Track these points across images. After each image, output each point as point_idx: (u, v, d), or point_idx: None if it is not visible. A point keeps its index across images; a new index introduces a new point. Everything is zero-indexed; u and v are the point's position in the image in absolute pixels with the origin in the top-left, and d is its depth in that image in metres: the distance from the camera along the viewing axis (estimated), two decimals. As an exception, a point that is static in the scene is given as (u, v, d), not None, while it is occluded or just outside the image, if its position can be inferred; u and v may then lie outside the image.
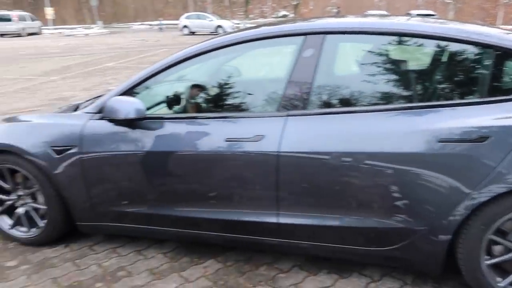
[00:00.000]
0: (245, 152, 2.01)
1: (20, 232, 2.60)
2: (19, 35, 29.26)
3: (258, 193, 2.08)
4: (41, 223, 2.54)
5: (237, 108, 2.28)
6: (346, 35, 2.06)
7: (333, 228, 2.04)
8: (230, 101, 2.30)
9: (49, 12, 35.41)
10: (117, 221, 2.43)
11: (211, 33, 27.89)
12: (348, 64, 2.30)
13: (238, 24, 33.82)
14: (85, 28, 36.92)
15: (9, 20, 29.42)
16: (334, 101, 2.05)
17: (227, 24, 29.01)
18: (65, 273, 2.32)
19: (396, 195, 1.88)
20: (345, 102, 2.06)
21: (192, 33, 28.33)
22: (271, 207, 2.08)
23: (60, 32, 33.32)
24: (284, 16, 50.10)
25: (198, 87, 2.46)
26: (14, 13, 30.27)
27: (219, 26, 28.10)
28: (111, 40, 23.80)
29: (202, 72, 2.49)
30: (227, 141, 2.05)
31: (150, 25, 42.76)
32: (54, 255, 2.50)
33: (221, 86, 2.37)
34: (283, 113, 2.01)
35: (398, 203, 1.89)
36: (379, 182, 1.88)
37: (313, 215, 2.05)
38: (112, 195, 2.36)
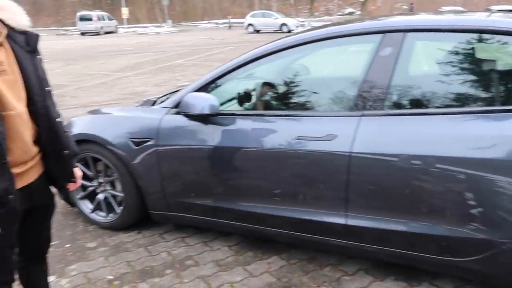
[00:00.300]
0: (316, 151, 2.00)
1: (99, 216, 2.81)
2: (97, 34, 31.51)
3: (327, 193, 2.06)
4: (118, 210, 2.72)
5: (309, 106, 2.27)
6: (427, 33, 1.97)
7: (402, 233, 1.96)
8: (301, 99, 2.30)
9: (125, 12, 37.69)
10: (186, 212, 2.53)
11: (276, 31, 27.99)
12: (428, 63, 2.19)
13: (303, 22, 33.59)
14: (156, 26, 38.81)
15: (90, 19, 31.81)
16: (412, 102, 1.97)
17: (291, 22, 28.95)
18: (138, 258, 2.47)
19: (471, 202, 1.76)
20: (423, 103, 1.97)
21: (257, 31, 28.64)
22: (339, 208, 2.05)
23: (134, 31, 35.37)
24: (350, 13, 48.89)
25: (269, 85, 2.49)
26: (94, 13, 32.66)
27: (283, 24, 28.13)
28: (179, 38, 24.79)
29: (273, 71, 2.51)
30: (298, 139, 2.05)
31: (216, 23, 43.92)
32: (128, 240, 2.67)
33: (292, 84, 2.37)
34: (357, 112, 1.97)
35: (474, 211, 1.77)
36: (455, 188, 1.77)
37: (382, 219, 1.99)
38: (182, 187, 2.46)
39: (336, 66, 2.62)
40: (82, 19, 32.20)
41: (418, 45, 2.03)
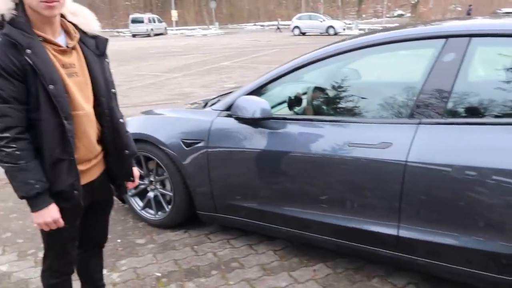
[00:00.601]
0: (369, 159, 1.94)
1: (149, 214, 2.89)
2: (148, 35, 32.71)
3: (379, 202, 1.99)
4: (167, 208, 2.79)
5: (361, 112, 2.22)
6: (493, 38, 1.85)
7: (457, 248, 1.86)
8: (353, 105, 2.25)
9: (174, 14, 38.83)
10: (232, 214, 2.54)
11: (322, 34, 27.72)
12: (492, 70, 2.07)
13: (350, 24, 33.04)
14: (203, 29, 39.66)
15: (142, 22, 33.10)
16: (473, 111, 1.86)
17: (338, 24, 28.56)
18: (184, 257, 2.51)
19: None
20: (485, 112, 1.86)
21: (303, 33, 28.50)
22: (391, 218, 1.98)
23: (182, 33, 36.36)
24: (400, 15, 47.47)
25: (321, 90, 2.45)
26: (145, 16, 33.95)
27: (330, 27, 27.81)
28: (226, 40, 25.17)
29: (325, 75, 2.47)
30: (350, 146, 2.00)
31: (262, 25, 44.19)
32: (176, 239, 2.73)
33: (345, 90, 2.32)
34: (414, 120, 1.89)
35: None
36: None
37: (437, 232, 1.90)
38: (230, 189, 2.48)
39: (392, 71, 2.53)
40: (134, 21, 33.56)
41: (482, 50, 1.92)
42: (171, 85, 9.40)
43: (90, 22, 1.47)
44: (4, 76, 1.24)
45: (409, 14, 37.97)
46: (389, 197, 1.94)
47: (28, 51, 1.26)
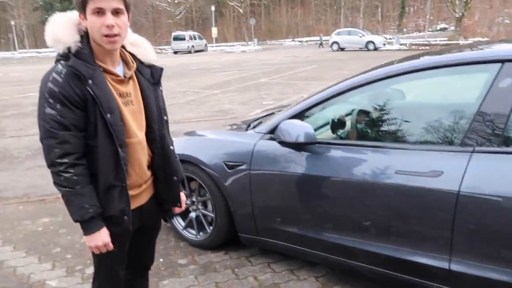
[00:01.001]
0: (418, 187, 1.87)
1: (190, 234, 2.92)
2: (189, 52, 33.66)
3: (428, 232, 1.90)
4: (208, 229, 2.80)
5: (409, 139, 2.14)
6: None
7: (513, 286, 1.73)
8: (401, 131, 2.18)
9: (214, 31, 39.82)
10: (273, 238, 2.51)
11: (361, 49, 27.41)
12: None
13: (390, 39, 32.50)
14: (242, 45, 40.35)
15: (183, 39, 34.16)
16: (533, 140, 1.75)
17: (378, 39, 28.17)
18: (226, 280, 2.51)
19: None
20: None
21: (342, 49, 28.32)
22: (442, 251, 1.88)
23: (222, 49, 37.17)
24: (443, 29, 46.17)
25: (366, 114, 2.40)
26: (187, 33, 35.03)
27: (370, 42, 27.47)
28: (264, 56, 25.43)
29: (371, 99, 2.42)
30: (397, 173, 1.94)
31: (300, 41, 44.39)
32: (216, 260, 2.73)
33: (391, 114, 2.26)
34: (467, 148, 1.80)
35: None
36: None
37: (491, 267, 1.78)
38: (271, 212, 2.46)
39: (442, 96, 2.43)
40: (176, 38, 34.69)
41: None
42: (211, 101, 9.57)
43: (147, 52, 1.53)
44: (67, 105, 1.30)
45: (452, 28, 36.82)
46: (440, 228, 1.85)
47: (90, 81, 1.32)
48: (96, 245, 1.41)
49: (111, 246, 1.44)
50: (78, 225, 1.40)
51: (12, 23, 46.76)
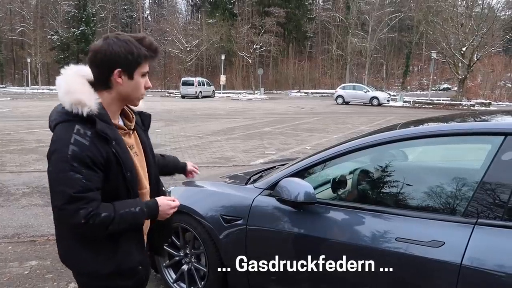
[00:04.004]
0: (418, 256, 1.80)
1: (180, 288, 2.80)
2: (196, 97, 34.35)
3: (428, 304, 1.81)
4: (199, 284, 2.69)
5: (411, 206, 2.10)
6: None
7: None
8: (403, 197, 2.14)
9: (223, 78, 40.87)
10: (266, 297, 2.40)
11: (365, 104, 27.92)
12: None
13: (394, 96, 33.16)
14: (248, 93, 41.24)
15: (192, 84, 35.06)
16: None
17: (382, 95, 28.78)
18: None
19: None
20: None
21: (347, 103, 28.86)
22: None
23: (228, 96, 37.95)
24: (446, 89, 47.19)
25: (368, 176, 2.37)
26: (195, 79, 36.01)
27: (374, 98, 28.04)
28: (270, 106, 25.89)
29: (374, 162, 2.40)
30: (397, 240, 1.88)
31: (306, 93, 45.32)
32: (206, 318, 2.59)
33: (394, 180, 2.23)
34: (470, 219, 1.75)
35: None
36: None
37: None
38: (266, 270, 2.36)
39: (444, 166, 2.42)
40: (184, 83, 35.60)
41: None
42: (213, 148, 9.61)
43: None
44: (93, 168, 1.28)
45: (455, 88, 37.65)
46: (441, 301, 1.76)
47: (114, 142, 1.32)
48: (169, 212, 1.47)
49: (177, 202, 1.51)
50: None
51: (28, 60, 48.34)
